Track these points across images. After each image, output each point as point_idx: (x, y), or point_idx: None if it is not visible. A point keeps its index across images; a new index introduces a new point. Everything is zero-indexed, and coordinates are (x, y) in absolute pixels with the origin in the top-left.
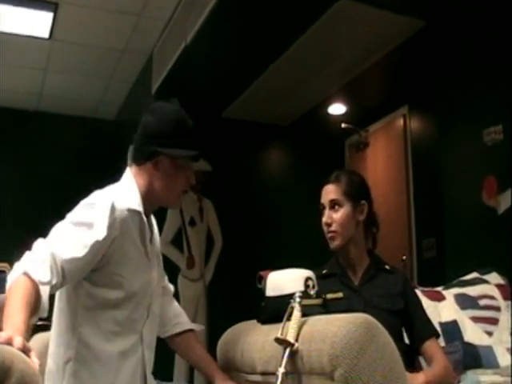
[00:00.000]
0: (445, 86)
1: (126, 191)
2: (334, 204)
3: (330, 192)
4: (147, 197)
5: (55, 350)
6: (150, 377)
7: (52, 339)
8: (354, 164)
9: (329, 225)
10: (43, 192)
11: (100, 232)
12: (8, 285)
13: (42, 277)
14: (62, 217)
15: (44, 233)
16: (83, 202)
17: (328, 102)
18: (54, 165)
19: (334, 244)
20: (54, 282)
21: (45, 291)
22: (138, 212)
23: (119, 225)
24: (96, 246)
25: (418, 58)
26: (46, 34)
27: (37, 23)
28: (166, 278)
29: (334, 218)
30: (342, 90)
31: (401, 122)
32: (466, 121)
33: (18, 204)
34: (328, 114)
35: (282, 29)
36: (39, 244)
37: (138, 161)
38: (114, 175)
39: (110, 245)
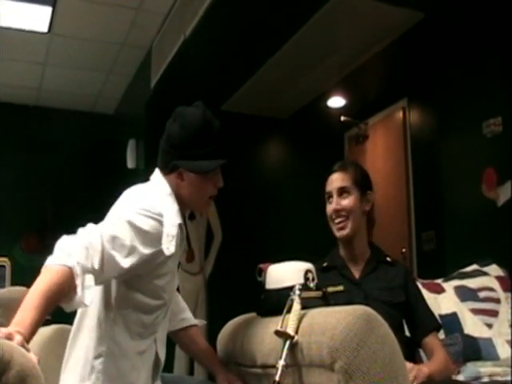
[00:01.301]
0: (444, 79)
1: (168, 202)
2: (342, 191)
3: (337, 179)
4: (178, 204)
5: (86, 343)
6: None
7: (81, 331)
8: (354, 157)
9: (337, 211)
10: (42, 187)
11: (170, 248)
12: (50, 260)
13: (84, 297)
14: (60, 211)
15: (43, 228)
16: (143, 210)
17: (327, 94)
18: (53, 159)
19: (343, 233)
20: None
21: (79, 301)
22: (181, 225)
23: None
24: (146, 259)
25: (417, 51)
26: (44, 28)
27: (35, 17)
28: None
29: (343, 204)
30: (341, 83)
31: (400, 114)
32: (466, 113)
33: (17, 199)
34: (327, 106)
35: (280, 22)
36: (95, 237)
37: (163, 170)
38: (111, 169)
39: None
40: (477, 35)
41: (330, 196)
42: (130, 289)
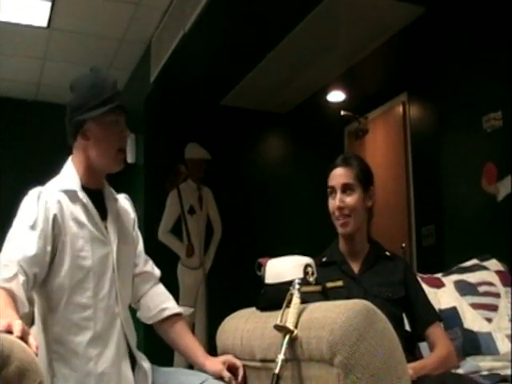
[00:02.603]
0: (444, 73)
1: (60, 176)
2: (346, 188)
3: (342, 175)
4: (89, 172)
5: (40, 354)
6: (135, 350)
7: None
8: (354, 151)
9: (341, 208)
10: (43, 182)
11: (30, 219)
12: None
13: (3, 274)
14: None
15: None
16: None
17: (327, 89)
18: (53, 154)
19: (346, 230)
20: (21, 278)
21: (17, 288)
22: (74, 191)
23: (54, 206)
24: (37, 233)
25: (417, 45)
26: (44, 23)
27: (35, 12)
28: (151, 262)
29: (347, 202)
30: (341, 78)
31: (400, 108)
32: (466, 107)
33: (16, 194)
34: (327, 101)
35: (280, 16)
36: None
37: (71, 140)
38: None
39: (53, 228)
40: (477, 29)
41: (333, 191)
42: (50, 278)
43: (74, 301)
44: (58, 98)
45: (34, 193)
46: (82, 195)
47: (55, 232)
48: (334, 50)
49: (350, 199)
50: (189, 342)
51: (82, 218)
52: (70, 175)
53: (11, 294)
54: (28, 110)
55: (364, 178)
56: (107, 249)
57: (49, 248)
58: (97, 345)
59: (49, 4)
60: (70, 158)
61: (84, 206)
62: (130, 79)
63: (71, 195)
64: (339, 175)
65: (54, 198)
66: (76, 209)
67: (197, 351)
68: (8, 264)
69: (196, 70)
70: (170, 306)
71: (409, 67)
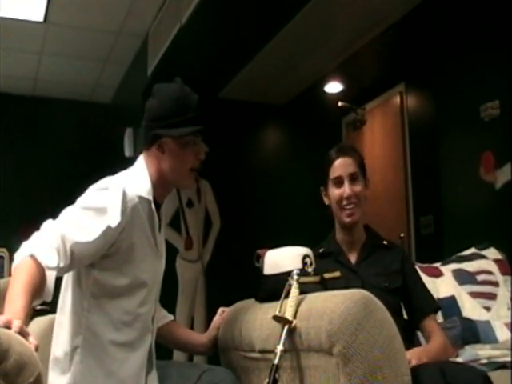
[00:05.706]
0: (441, 63)
1: (136, 178)
2: (354, 177)
3: (349, 165)
4: (159, 182)
5: (63, 337)
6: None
7: (59, 326)
8: (352, 142)
9: (349, 197)
10: (40, 177)
11: (113, 218)
12: (14, 264)
13: (48, 261)
14: (59, 201)
15: (41, 218)
16: (94, 187)
17: (324, 80)
18: (50, 149)
19: (353, 219)
20: (61, 265)
21: (51, 275)
22: (148, 200)
23: (130, 211)
24: (108, 232)
25: (414, 35)
26: (40, 17)
27: (31, 7)
28: None
29: (356, 190)
30: (338, 68)
31: (397, 99)
32: (463, 97)
33: (14, 190)
34: (324, 92)
35: (277, 8)
36: (48, 225)
37: (146, 146)
38: (109, 158)
39: (121, 232)
40: (474, 19)
41: (339, 181)
42: (100, 272)
43: (120, 303)
44: (55, 92)
45: (118, 187)
46: (153, 207)
47: (122, 235)
48: (331, 41)
49: (358, 188)
50: (185, 333)
51: (148, 230)
52: (144, 181)
53: (41, 281)
54: (25, 105)
55: (363, 168)
56: (160, 263)
57: (107, 246)
58: (125, 350)
59: None
60: (142, 160)
61: (151, 219)
62: (127, 72)
63: (145, 204)
64: (347, 164)
65: (133, 202)
66: (145, 219)
67: (197, 336)
68: (59, 243)
69: (193, 62)
70: (165, 313)
71: (406, 57)
